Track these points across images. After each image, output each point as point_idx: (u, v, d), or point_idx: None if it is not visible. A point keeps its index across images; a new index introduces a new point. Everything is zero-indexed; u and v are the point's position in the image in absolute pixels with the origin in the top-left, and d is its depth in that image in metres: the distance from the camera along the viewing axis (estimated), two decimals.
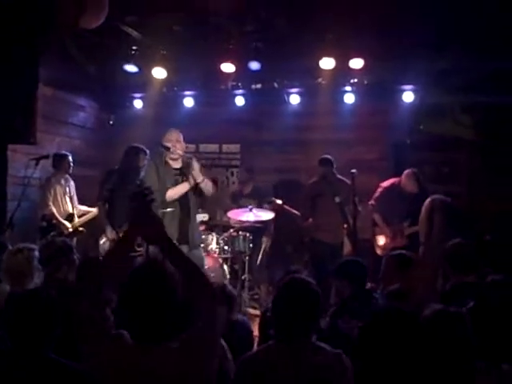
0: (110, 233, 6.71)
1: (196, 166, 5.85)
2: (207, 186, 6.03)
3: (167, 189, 5.87)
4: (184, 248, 5.64)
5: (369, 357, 2.27)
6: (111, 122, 9.37)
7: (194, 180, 5.85)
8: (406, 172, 7.37)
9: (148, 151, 6.86)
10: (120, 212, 6.60)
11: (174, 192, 5.89)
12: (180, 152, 5.98)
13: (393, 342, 2.27)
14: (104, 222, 6.83)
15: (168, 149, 5.89)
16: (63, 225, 7.10)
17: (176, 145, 5.95)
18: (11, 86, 6.08)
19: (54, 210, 7.07)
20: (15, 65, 6.14)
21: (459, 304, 3.06)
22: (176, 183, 5.96)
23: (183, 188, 5.93)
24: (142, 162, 6.79)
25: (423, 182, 7.36)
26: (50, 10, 5.89)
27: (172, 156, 5.97)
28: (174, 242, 2.71)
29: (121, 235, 2.76)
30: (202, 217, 7.76)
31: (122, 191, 6.58)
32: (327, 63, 7.60)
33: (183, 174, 6.02)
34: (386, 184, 7.51)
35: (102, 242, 6.82)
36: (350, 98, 8.50)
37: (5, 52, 6.03)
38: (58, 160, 7.32)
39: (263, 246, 8.06)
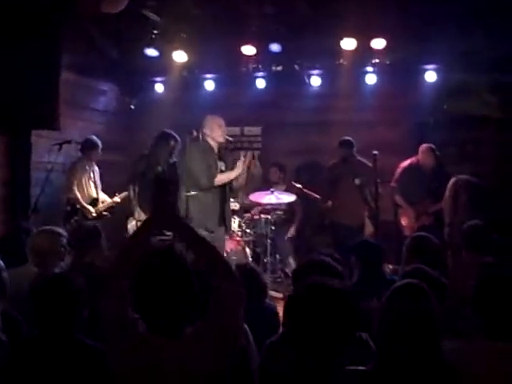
0: (138, 214, 6.94)
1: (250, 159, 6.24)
2: (242, 181, 6.37)
3: (212, 171, 6.07)
4: (221, 230, 6.14)
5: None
6: (132, 107, 9.38)
7: (243, 170, 6.14)
8: (422, 148, 7.37)
9: (178, 136, 6.99)
10: (149, 195, 6.81)
11: (224, 177, 6.15)
12: (227, 137, 6.27)
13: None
14: (133, 204, 7.04)
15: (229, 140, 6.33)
16: (87, 209, 7.15)
17: (224, 130, 6.23)
18: (34, 71, 6.13)
19: (78, 195, 7.13)
20: (38, 50, 6.19)
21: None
22: (216, 166, 6.17)
23: (233, 174, 6.17)
24: (171, 147, 7.04)
25: (439, 157, 7.33)
26: None
27: (220, 140, 6.19)
28: (212, 224, 2.74)
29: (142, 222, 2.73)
30: (234, 205, 7.72)
31: (152, 175, 6.86)
32: (348, 44, 7.53)
33: (220, 158, 6.27)
34: (404, 164, 7.49)
35: (130, 224, 6.98)
36: (371, 79, 8.40)
37: (27, 38, 6.07)
38: (88, 148, 7.34)
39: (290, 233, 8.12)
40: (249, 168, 6.47)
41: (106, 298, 2.46)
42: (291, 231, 8.14)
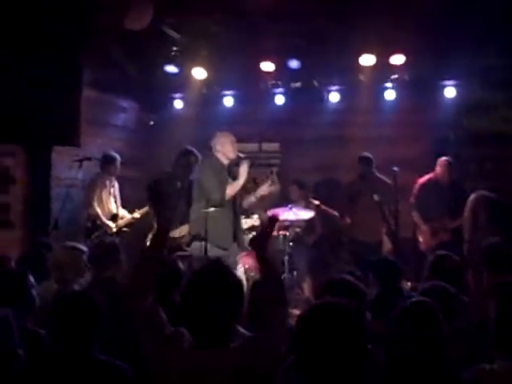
0: None
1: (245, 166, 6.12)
2: (249, 200, 6.42)
3: (223, 187, 6.05)
4: (235, 245, 6.16)
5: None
6: (152, 123, 9.43)
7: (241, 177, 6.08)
8: (440, 162, 7.30)
9: (199, 154, 7.04)
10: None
11: (232, 189, 6.08)
12: (238, 153, 6.27)
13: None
14: (153, 219, 7.02)
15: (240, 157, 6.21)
16: (107, 225, 7.18)
17: (235, 146, 6.25)
18: (56, 88, 6.21)
19: (99, 211, 7.16)
20: (59, 67, 6.27)
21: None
22: (227, 183, 6.15)
23: (240, 182, 6.12)
24: (191, 164, 7.07)
25: (456, 171, 7.28)
26: (92, 13, 6.00)
27: (231, 156, 6.20)
28: (227, 242, 2.79)
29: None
30: (254, 221, 7.67)
31: (172, 191, 6.91)
32: (367, 60, 7.56)
33: (229, 174, 6.26)
34: (422, 180, 7.44)
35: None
36: (390, 95, 8.39)
37: (49, 55, 6.15)
38: (107, 162, 7.40)
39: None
40: (254, 180, 6.49)
41: (136, 315, 2.51)
42: (310, 241, 8.11)
